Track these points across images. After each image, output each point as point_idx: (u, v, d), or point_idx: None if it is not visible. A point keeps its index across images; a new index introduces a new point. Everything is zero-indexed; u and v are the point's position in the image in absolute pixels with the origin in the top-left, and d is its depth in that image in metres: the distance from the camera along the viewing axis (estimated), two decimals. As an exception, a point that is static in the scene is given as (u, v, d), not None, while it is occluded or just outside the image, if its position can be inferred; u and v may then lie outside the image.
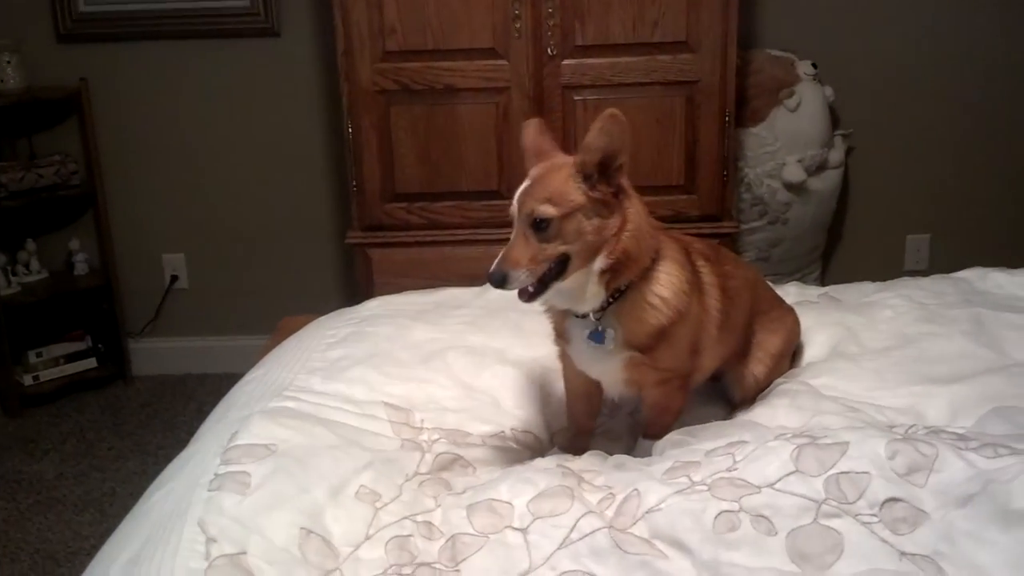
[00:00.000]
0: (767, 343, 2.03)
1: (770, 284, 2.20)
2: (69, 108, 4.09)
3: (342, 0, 3.32)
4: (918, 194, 4.23)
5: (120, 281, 4.25)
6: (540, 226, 1.58)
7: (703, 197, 3.48)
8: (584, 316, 1.71)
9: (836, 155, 3.96)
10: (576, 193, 1.59)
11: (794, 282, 2.73)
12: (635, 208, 1.67)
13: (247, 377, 2.12)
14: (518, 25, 3.31)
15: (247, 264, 4.32)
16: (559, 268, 1.61)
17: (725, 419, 1.93)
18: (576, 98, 3.39)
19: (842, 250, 4.30)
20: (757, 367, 2.01)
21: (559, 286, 1.63)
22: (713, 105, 3.39)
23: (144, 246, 4.30)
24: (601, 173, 1.60)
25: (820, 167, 3.90)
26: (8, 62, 3.89)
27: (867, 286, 2.48)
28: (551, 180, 1.61)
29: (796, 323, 2.14)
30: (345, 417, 1.85)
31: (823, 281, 4.06)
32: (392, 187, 3.50)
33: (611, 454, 1.79)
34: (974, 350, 1.98)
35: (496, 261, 1.58)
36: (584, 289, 1.65)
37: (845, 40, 4.03)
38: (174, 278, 4.34)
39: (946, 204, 4.23)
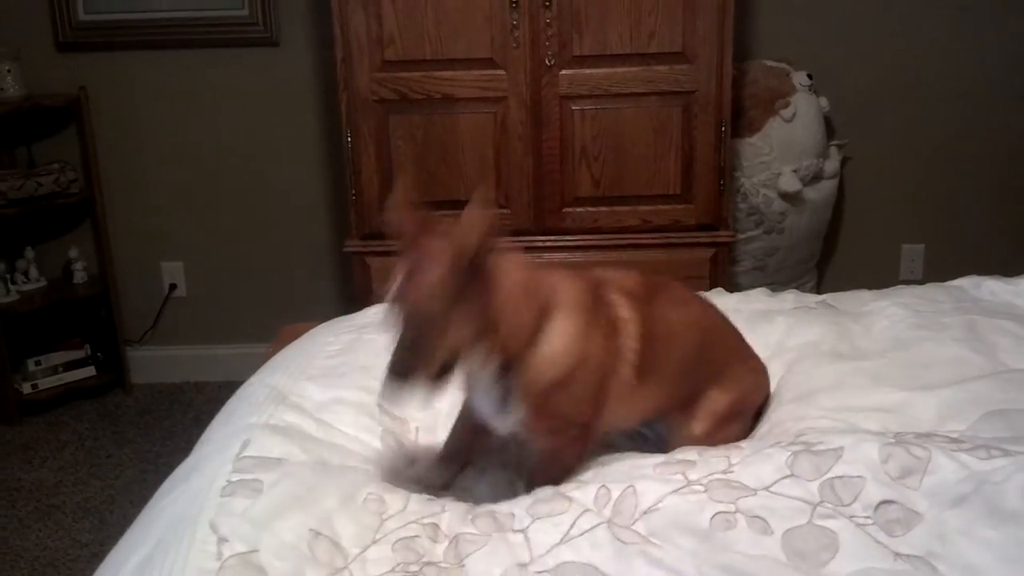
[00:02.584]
0: (712, 400, 1.84)
1: (740, 337, 1.99)
2: (68, 116, 4.11)
3: (341, 10, 3.34)
4: (913, 204, 4.26)
5: (119, 289, 4.27)
6: (424, 327, 1.49)
7: (699, 206, 3.50)
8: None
9: (831, 165, 3.99)
10: (449, 293, 1.48)
11: (792, 290, 2.74)
12: (508, 278, 1.56)
13: (248, 384, 2.13)
14: (516, 35, 3.34)
15: (245, 272, 4.33)
16: (450, 364, 1.53)
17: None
18: (574, 108, 3.42)
19: (837, 260, 4.32)
20: (696, 424, 1.83)
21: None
22: (709, 115, 3.42)
23: (143, 254, 4.31)
24: (471, 266, 1.49)
25: (815, 177, 3.92)
26: (8, 70, 3.91)
27: (864, 294, 2.49)
28: (424, 279, 1.49)
29: (757, 384, 1.97)
30: (345, 427, 1.87)
31: (819, 290, 4.07)
32: (390, 196, 3.50)
33: (473, 497, 1.72)
34: (967, 356, 1.99)
35: (385, 375, 1.50)
36: (480, 369, 1.59)
37: (840, 51, 4.06)
38: (172, 286, 4.35)
39: (941, 214, 4.26)
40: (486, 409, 1.67)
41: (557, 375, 1.61)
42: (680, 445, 1.79)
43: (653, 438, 1.92)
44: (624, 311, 1.71)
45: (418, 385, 1.50)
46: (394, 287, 1.53)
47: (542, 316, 1.61)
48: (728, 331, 1.98)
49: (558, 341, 1.61)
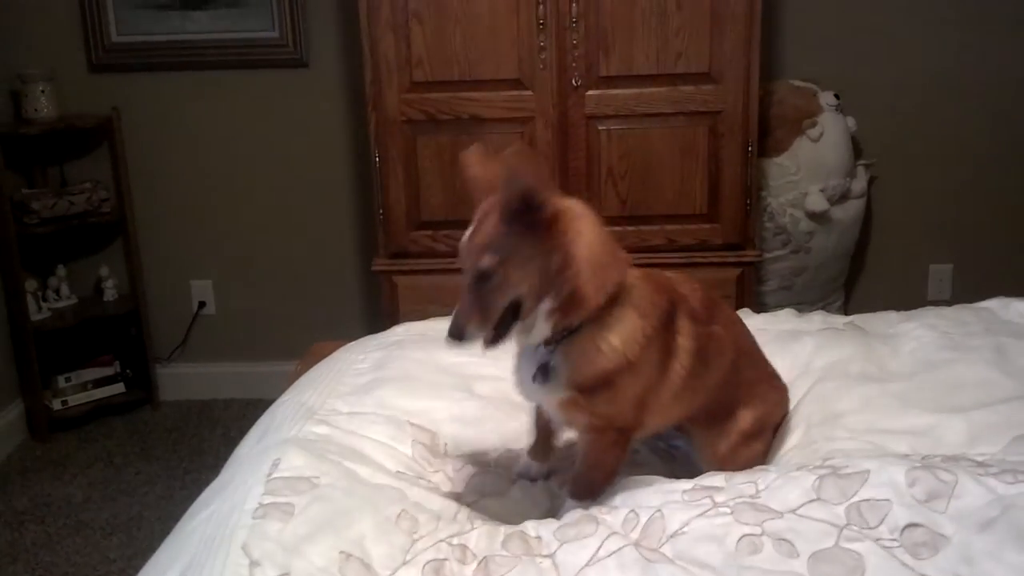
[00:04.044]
0: (740, 419, 1.88)
1: (764, 356, 2.03)
2: (100, 136, 4.16)
3: (370, 32, 3.37)
4: (941, 224, 4.24)
5: (148, 307, 4.31)
6: (484, 278, 1.52)
7: (726, 226, 3.50)
8: (535, 347, 1.65)
9: (859, 185, 3.98)
10: (510, 238, 1.52)
11: (819, 311, 2.74)
12: (586, 238, 1.58)
13: (279, 401, 2.15)
14: (543, 56, 3.36)
15: (273, 290, 4.36)
16: (514, 312, 1.55)
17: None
18: (600, 128, 3.43)
19: (865, 279, 4.31)
20: (722, 442, 1.86)
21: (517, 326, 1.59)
22: (736, 135, 3.42)
23: (172, 272, 4.35)
24: (528, 211, 1.51)
25: (843, 196, 3.92)
26: (42, 91, 3.96)
27: (892, 315, 2.49)
28: (486, 227, 1.55)
29: (779, 402, 2.00)
30: (376, 445, 1.88)
31: (846, 310, 4.07)
32: (418, 215, 3.54)
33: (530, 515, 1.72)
34: (997, 378, 1.99)
35: (451, 319, 1.54)
36: (534, 327, 1.59)
37: (867, 71, 4.06)
38: (202, 304, 4.39)
39: (969, 234, 4.24)
40: (526, 376, 1.67)
41: (607, 367, 1.61)
42: (706, 459, 1.85)
43: (680, 455, 1.93)
44: (684, 339, 1.72)
45: (476, 334, 1.53)
46: (464, 238, 1.57)
47: (617, 294, 1.61)
48: (757, 351, 2.01)
49: (623, 330, 1.61)
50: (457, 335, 1.53)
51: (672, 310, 1.71)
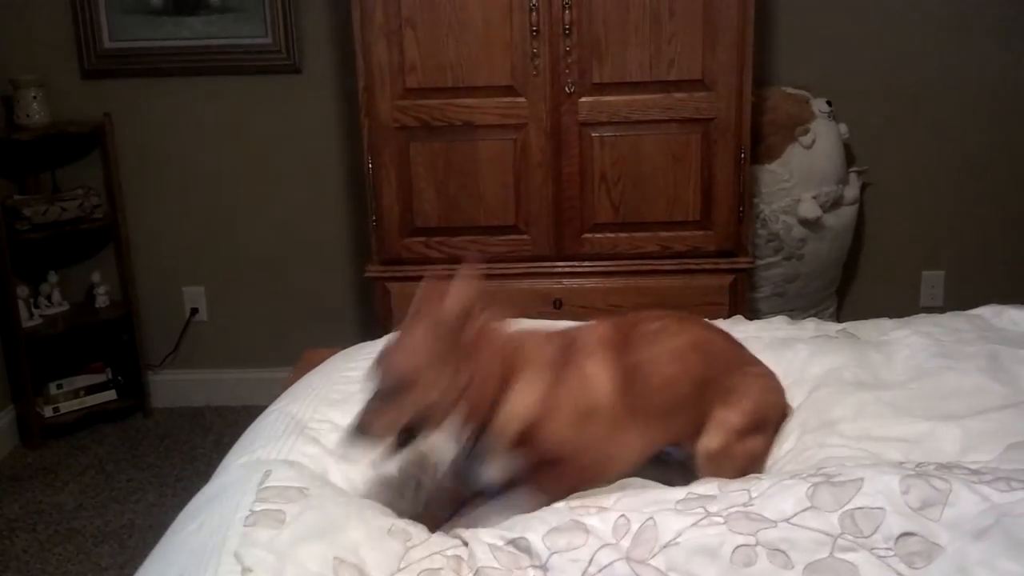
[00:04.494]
0: (718, 419, 1.87)
1: (740, 349, 2.03)
2: (93, 142, 4.15)
3: (363, 38, 3.37)
4: (933, 231, 4.25)
5: (140, 313, 4.30)
6: (401, 388, 1.58)
7: (719, 233, 3.50)
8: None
9: (851, 192, 3.99)
10: (425, 357, 1.59)
11: (811, 318, 2.74)
12: (484, 348, 1.65)
13: (270, 409, 2.15)
14: (536, 63, 3.36)
15: (266, 297, 4.35)
16: (417, 425, 1.62)
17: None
18: (593, 135, 3.43)
19: (857, 286, 4.31)
20: (708, 440, 1.86)
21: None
22: (729, 142, 3.42)
23: (165, 279, 4.34)
24: (453, 334, 1.60)
25: (835, 203, 3.92)
26: (34, 97, 3.95)
27: (884, 323, 2.48)
28: (404, 341, 1.63)
29: (767, 389, 1.98)
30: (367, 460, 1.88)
31: (839, 317, 4.07)
32: (411, 221, 3.53)
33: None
34: (990, 386, 1.99)
35: (351, 424, 1.59)
36: (444, 436, 1.68)
37: (859, 78, 4.07)
38: (194, 311, 4.38)
39: (961, 241, 4.25)
40: (470, 471, 1.74)
41: (520, 427, 1.69)
42: (702, 464, 1.85)
43: (673, 462, 1.92)
44: (592, 366, 1.78)
45: (383, 435, 1.59)
46: (384, 349, 1.64)
47: (507, 378, 1.69)
48: (727, 348, 2.01)
49: (520, 398, 1.69)
50: (362, 431, 1.58)
51: (568, 350, 1.79)
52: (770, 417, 1.97)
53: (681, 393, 1.86)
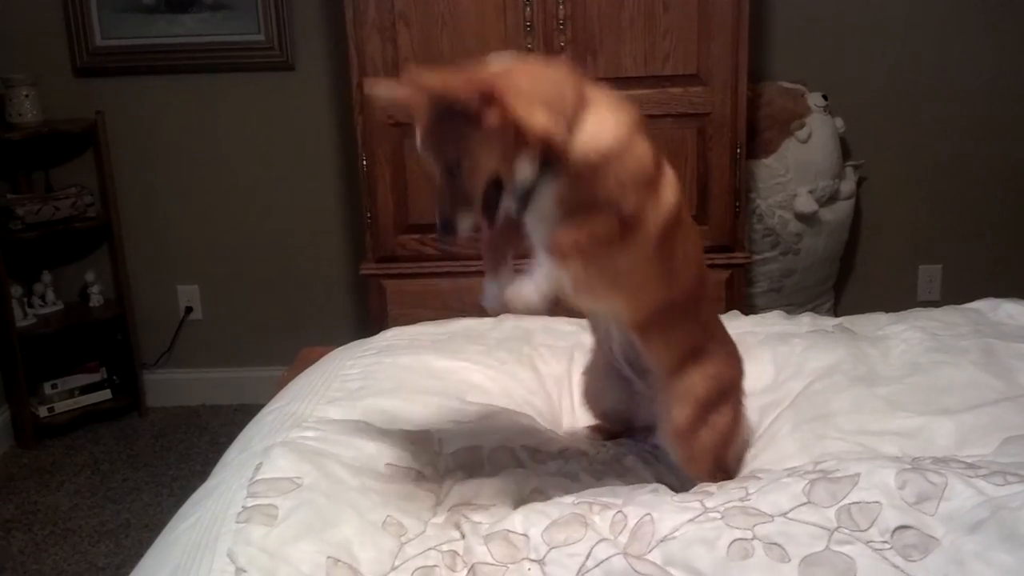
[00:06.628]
0: (688, 381, 1.74)
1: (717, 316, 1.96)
2: (85, 141, 4.14)
3: (356, 34, 3.36)
4: (930, 225, 4.24)
5: (135, 312, 4.28)
6: (452, 169, 1.50)
7: (715, 228, 3.49)
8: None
9: (847, 186, 3.98)
10: (457, 130, 1.48)
11: (808, 313, 2.73)
12: (522, 79, 1.51)
13: (267, 408, 2.13)
14: (530, 58, 3.34)
15: (261, 295, 4.34)
16: (496, 189, 1.52)
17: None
18: (588, 130, 3.41)
19: (854, 281, 4.31)
20: (676, 411, 1.74)
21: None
22: (724, 137, 3.42)
23: (159, 278, 4.33)
24: (457, 112, 1.47)
25: (831, 198, 3.92)
26: (26, 96, 3.94)
27: (881, 317, 2.48)
28: (433, 126, 1.51)
29: (729, 362, 1.85)
30: (367, 448, 1.86)
31: (835, 312, 4.06)
32: (406, 218, 3.52)
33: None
34: (986, 380, 1.99)
35: (436, 217, 1.53)
36: (524, 185, 1.53)
37: (855, 72, 4.06)
38: (188, 309, 4.37)
39: (958, 235, 4.24)
40: (538, 221, 1.59)
41: (600, 147, 1.53)
42: (670, 434, 1.77)
43: (663, 456, 1.90)
44: (668, 169, 1.66)
45: (466, 220, 1.51)
46: (417, 143, 1.53)
47: (579, 105, 1.54)
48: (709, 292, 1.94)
49: (601, 123, 1.54)
50: (447, 227, 1.52)
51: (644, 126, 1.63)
52: (729, 388, 1.83)
53: (690, 289, 1.75)
